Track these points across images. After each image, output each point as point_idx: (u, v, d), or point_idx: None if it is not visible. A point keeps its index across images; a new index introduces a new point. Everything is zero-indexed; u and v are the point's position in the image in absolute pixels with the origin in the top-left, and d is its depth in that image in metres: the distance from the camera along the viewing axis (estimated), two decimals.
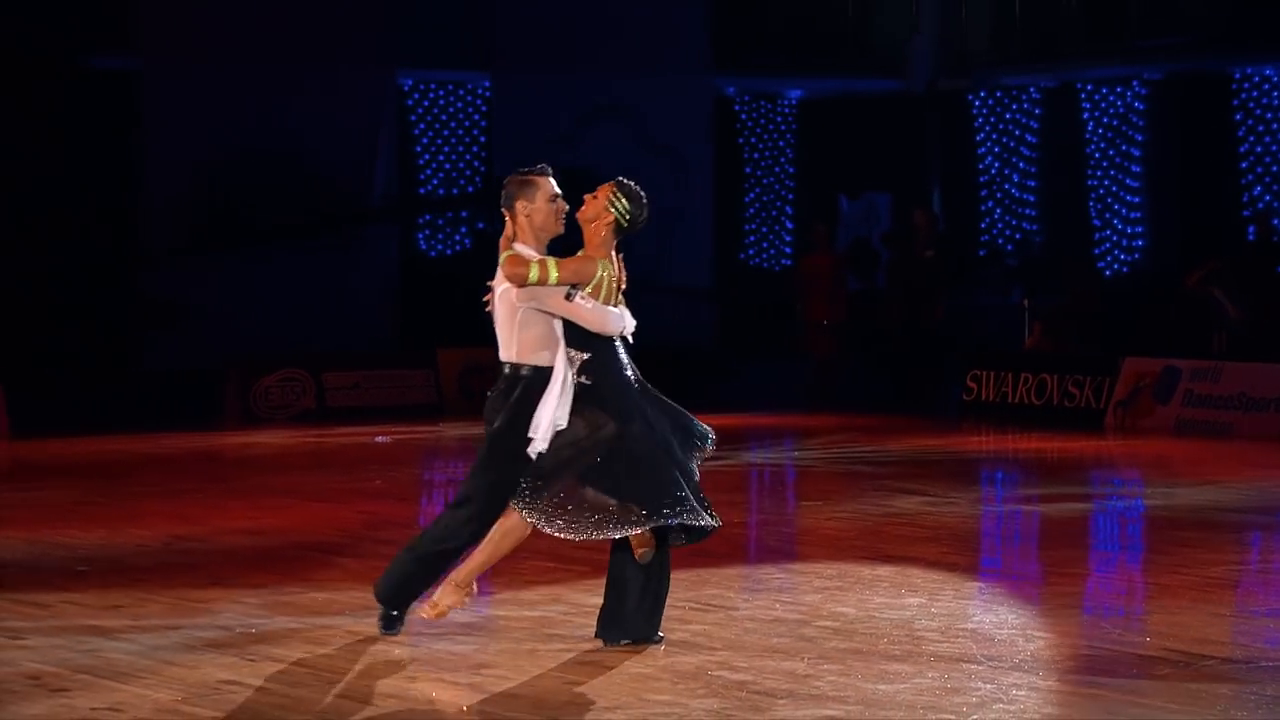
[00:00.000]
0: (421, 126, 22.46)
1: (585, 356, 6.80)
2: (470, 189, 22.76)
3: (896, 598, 8.09)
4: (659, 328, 22.51)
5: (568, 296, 6.74)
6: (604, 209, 6.85)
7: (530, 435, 6.74)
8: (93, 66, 19.74)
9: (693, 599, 7.95)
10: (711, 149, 23.36)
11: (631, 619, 6.90)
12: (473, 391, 17.94)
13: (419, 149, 22.44)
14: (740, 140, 24.50)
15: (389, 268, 21.70)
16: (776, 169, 24.70)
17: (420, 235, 22.54)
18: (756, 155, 24.60)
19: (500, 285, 6.86)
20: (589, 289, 6.80)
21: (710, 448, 6.99)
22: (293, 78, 20.63)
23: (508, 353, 6.88)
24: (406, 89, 22.29)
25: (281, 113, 20.60)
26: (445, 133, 22.58)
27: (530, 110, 22.22)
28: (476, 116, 22.71)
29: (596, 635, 6.96)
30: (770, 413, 18.13)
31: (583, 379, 6.80)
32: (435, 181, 22.60)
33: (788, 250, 24.63)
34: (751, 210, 24.61)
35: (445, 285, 21.82)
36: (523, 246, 6.88)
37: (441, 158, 22.56)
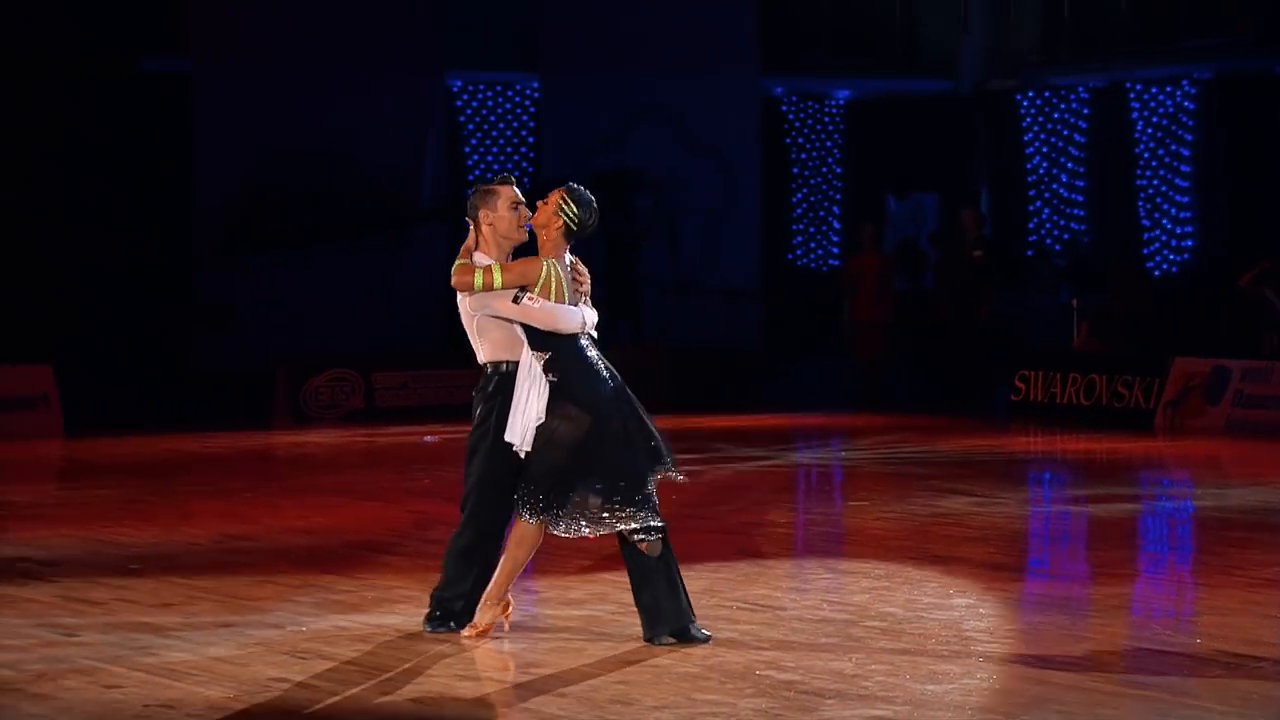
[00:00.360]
0: (470, 127, 22.53)
1: (547, 355, 6.97)
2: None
3: (944, 598, 8.06)
4: (706, 328, 22.72)
5: (515, 300, 6.93)
6: (553, 214, 7.04)
7: (508, 440, 6.93)
8: (143, 69, 19.88)
9: (740, 598, 7.95)
10: (759, 149, 23.33)
11: (666, 609, 6.92)
12: None
13: (468, 149, 22.51)
14: (788, 141, 24.47)
15: (438, 268, 21.71)
16: (824, 169, 24.66)
17: (468, 225, 22.57)
18: (804, 156, 24.56)
19: (459, 294, 7.06)
20: (538, 289, 6.94)
21: (670, 472, 7.00)
22: (342, 80, 20.73)
23: (480, 356, 7.14)
24: (455, 90, 22.36)
25: (331, 114, 20.70)
26: (494, 133, 22.64)
27: (578, 111, 22.26)
28: (525, 117, 22.76)
29: (644, 637, 6.98)
30: (817, 413, 18.10)
31: (550, 376, 6.95)
32: (489, 177, 22.64)
33: (835, 250, 24.58)
34: (799, 211, 24.57)
35: None
36: (480, 255, 7.07)
37: (490, 158, 22.62)
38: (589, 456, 6.86)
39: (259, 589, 8.22)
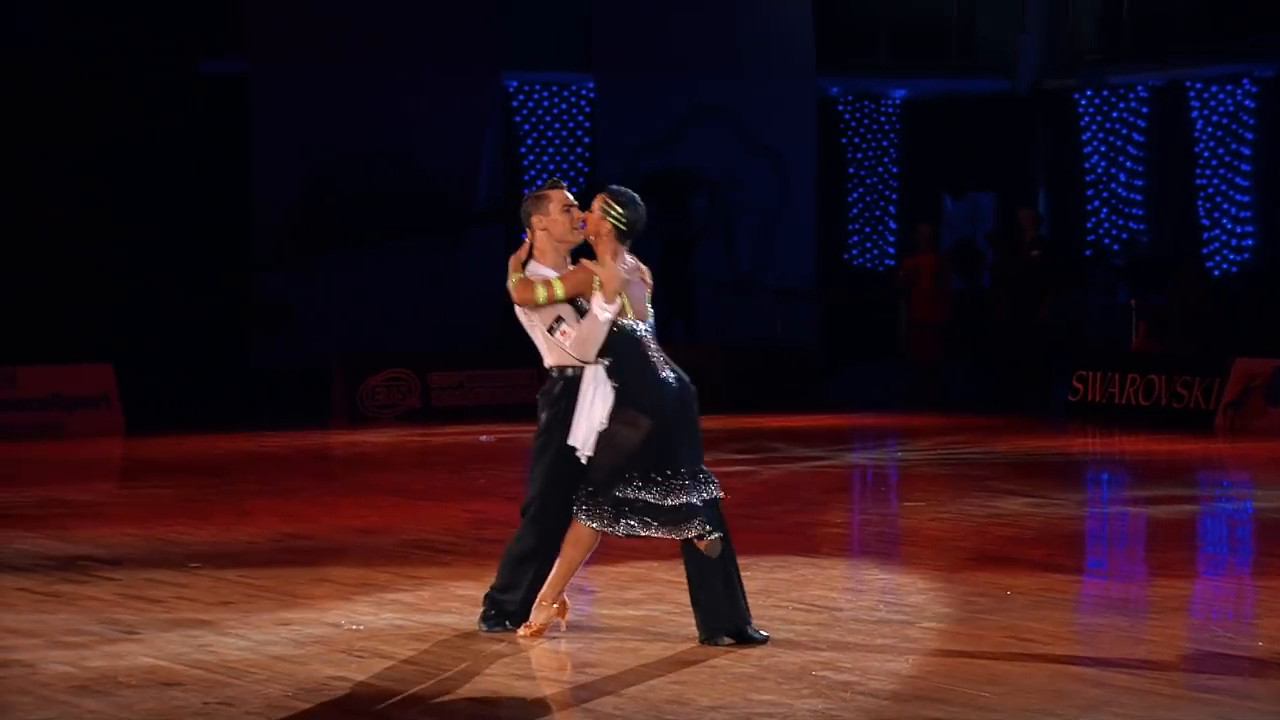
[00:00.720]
0: (526, 128, 22.57)
1: (606, 362, 6.93)
2: (575, 189, 22.81)
3: (1001, 600, 8.01)
4: (761, 328, 22.67)
5: (550, 330, 6.91)
6: (600, 219, 7.03)
7: (571, 444, 6.91)
8: (201, 71, 20.02)
9: (796, 599, 7.93)
10: (814, 149, 23.28)
11: (723, 610, 6.91)
12: None
13: (523, 150, 22.56)
14: (843, 140, 24.41)
15: (493, 269, 21.74)
16: (880, 169, 24.58)
17: (524, 235, 22.60)
18: (860, 155, 24.49)
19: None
20: (595, 295, 6.90)
21: (699, 534, 6.91)
22: (398, 80, 20.80)
23: (548, 359, 7.08)
24: (511, 90, 22.41)
25: (387, 115, 20.77)
26: (549, 134, 22.68)
27: (633, 111, 22.27)
28: (580, 118, 22.79)
29: (700, 638, 6.97)
30: (873, 413, 18.05)
31: (613, 383, 6.94)
32: (540, 182, 22.65)
33: (890, 250, 24.50)
34: (854, 211, 24.51)
35: None
36: (536, 266, 7.06)
37: (546, 158, 22.67)
38: (648, 460, 6.84)
39: (316, 587, 8.26)
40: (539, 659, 6.80)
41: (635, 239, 7.10)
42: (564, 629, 7.10)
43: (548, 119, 22.68)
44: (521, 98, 22.55)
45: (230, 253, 19.95)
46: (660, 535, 6.91)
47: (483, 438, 15.81)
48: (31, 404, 16.19)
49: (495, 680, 6.44)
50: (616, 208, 7.03)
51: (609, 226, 7.03)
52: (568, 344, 6.92)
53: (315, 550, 9.49)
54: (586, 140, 22.76)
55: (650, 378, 6.93)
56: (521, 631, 7.07)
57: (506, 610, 7.12)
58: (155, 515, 10.81)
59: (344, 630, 7.29)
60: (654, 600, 7.88)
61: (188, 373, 18.70)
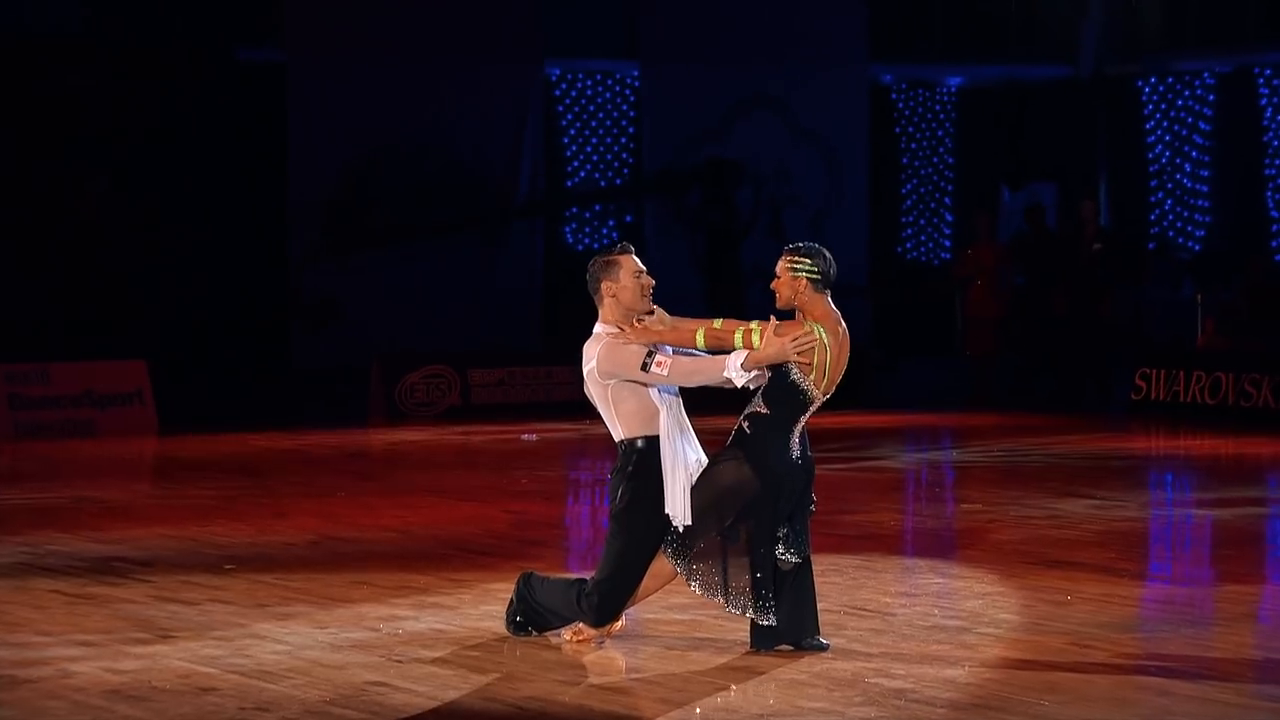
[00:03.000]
0: (569, 118, 22.60)
1: (765, 412, 6.86)
2: (619, 181, 22.86)
3: (1061, 605, 7.98)
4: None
5: (644, 367, 6.83)
6: (792, 279, 6.94)
7: (668, 513, 6.84)
8: (239, 60, 20.12)
9: (848, 603, 7.92)
10: (867, 140, 23.22)
11: (780, 624, 6.90)
12: None
13: (566, 140, 22.59)
14: (897, 130, 24.33)
15: (535, 263, 21.86)
16: (935, 159, 24.50)
17: (567, 229, 22.68)
18: (914, 145, 24.42)
19: (587, 366, 6.95)
20: (748, 360, 6.81)
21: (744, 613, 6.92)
22: (438, 70, 20.86)
23: (616, 433, 7.00)
24: (554, 79, 22.44)
25: (426, 105, 20.84)
26: (593, 124, 22.70)
27: (680, 100, 22.26)
28: (625, 107, 22.80)
29: (751, 645, 6.97)
30: (928, 411, 17.99)
31: (744, 425, 6.87)
32: (583, 174, 22.73)
33: (947, 244, 24.42)
34: (909, 202, 24.44)
35: None
36: (603, 327, 6.98)
37: (589, 149, 22.69)
38: (734, 520, 6.80)
39: (354, 590, 8.30)
40: (584, 665, 6.81)
41: (830, 286, 6.99)
42: (606, 644, 7.11)
43: (591, 109, 22.69)
44: (564, 86, 22.57)
45: (267, 247, 20.03)
46: (716, 602, 6.89)
47: (525, 436, 15.84)
48: (63, 401, 16.32)
49: (538, 686, 6.45)
50: (804, 260, 6.95)
51: (805, 283, 6.91)
52: (665, 373, 6.81)
53: (353, 552, 9.53)
54: (631, 131, 22.76)
55: (782, 449, 6.83)
56: (568, 636, 7.10)
57: (538, 625, 7.17)
58: (190, 516, 10.87)
59: (383, 634, 7.32)
60: (700, 605, 7.87)
61: (222, 369, 18.81)
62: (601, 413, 7.03)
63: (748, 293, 21.57)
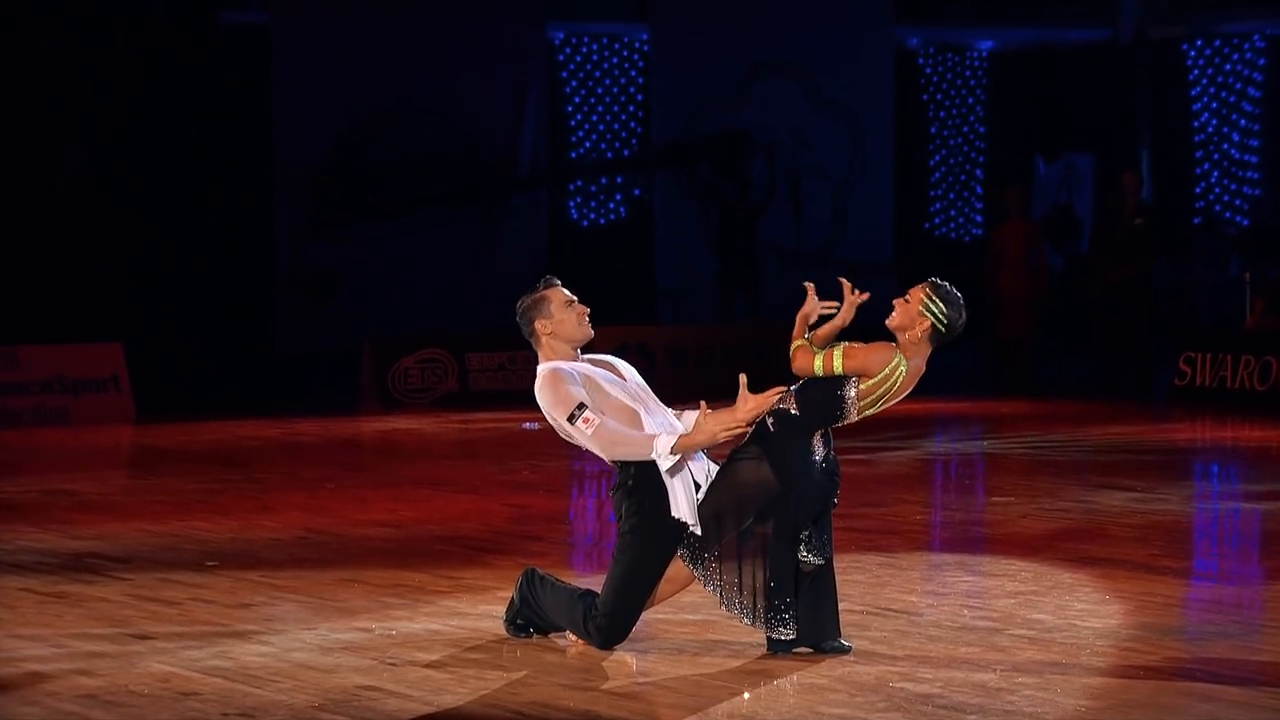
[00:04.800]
0: (574, 84, 22.59)
1: (794, 413, 6.82)
2: (626, 153, 22.86)
3: (1100, 604, 8.00)
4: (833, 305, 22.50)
5: (570, 418, 6.75)
6: (919, 314, 6.86)
7: (677, 516, 6.83)
8: (221, 22, 20.10)
9: (871, 603, 7.93)
10: (892, 108, 23.20)
11: (802, 625, 6.91)
12: None
13: (570, 109, 22.58)
14: (925, 97, 24.31)
15: (537, 239, 21.88)
16: (965, 129, 24.48)
17: (571, 204, 22.69)
18: (943, 114, 24.40)
19: (546, 415, 6.86)
20: (873, 382, 6.79)
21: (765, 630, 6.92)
22: (433, 32, 20.85)
23: (606, 457, 6.92)
24: (558, 43, 22.43)
25: (421, 71, 20.83)
26: (599, 90, 22.69)
27: (692, 66, 22.26)
28: (634, 73, 22.79)
29: (769, 648, 6.98)
30: (957, 398, 17.99)
31: (769, 421, 6.83)
32: (588, 144, 22.73)
33: (978, 219, 24.41)
34: (937, 175, 24.43)
35: (598, 257, 21.93)
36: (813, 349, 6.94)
37: (595, 118, 22.68)
38: (752, 522, 6.80)
39: (345, 589, 8.32)
40: (589, 668, 6.82)
41: (948, 344, 6.92)
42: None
43: (597, 74, 22.68)
44: (569, 51, 22.56)
45: (252, 222, 20.03)
46: (733, 615, 6.90)
47: (527, 425, 15.86)
48: (34, 387, 16.36)
49: (541, 691, 6.47)
50: (940, 305, 6.84)
51: (928, 325, 6.83)
52: (589, 431, 6.67)
53: (343, 548, 9.55)
54: (640, 98, 22.76)
55: (802, 448, 6.82)
56: (573, 638, 7.11)
57: (539, 628, 7.19)
58: (169, 509, 10.90)
59: (375, 635, 7.34)
60: (713, 605, 7.87)
61: (204, 353, 18.83)
62: (586, 449, 6.94)
63: (763, 271, 21.58)
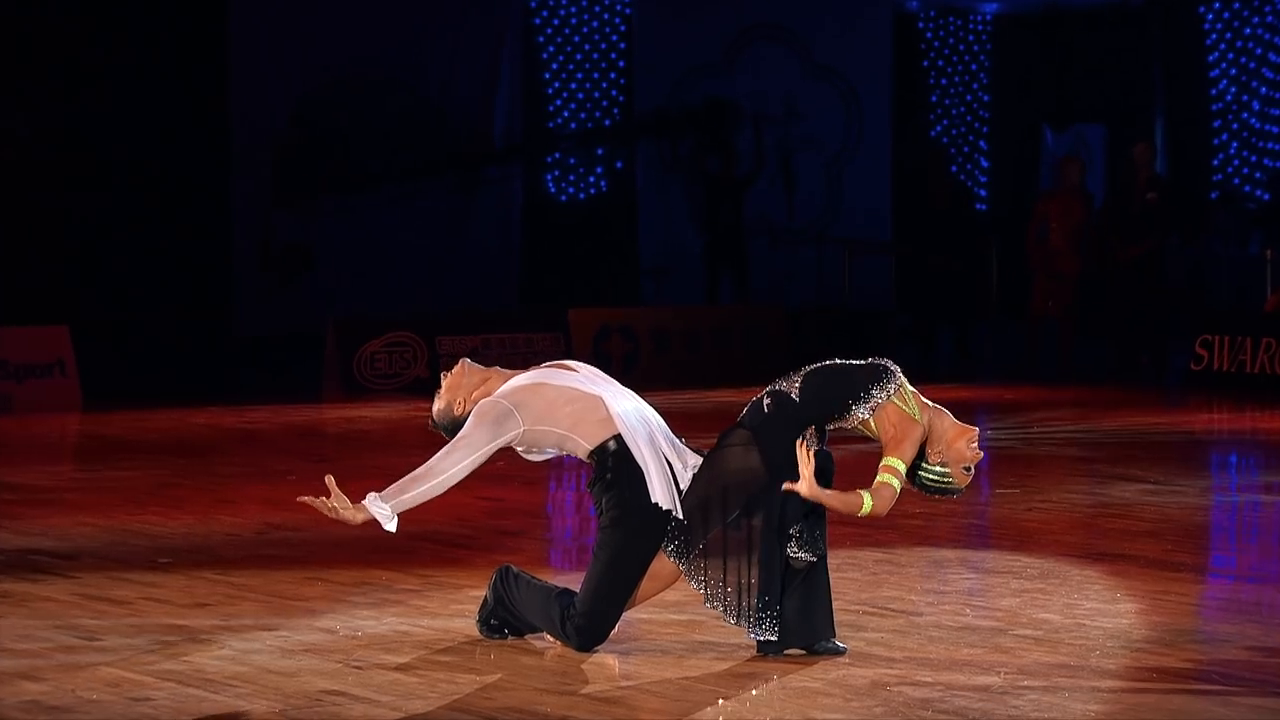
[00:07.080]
0: (551, 49, 22.58)
1: (794, 399, 6.90)
2: (607, 123, 22.86)
3: (1111, 603, 8.03)
4: (830, 286, 22.65)
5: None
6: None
7: (658, 501, 6.87)
8: None
9: (868, 602, 7.96)
10: (890, 75, 23.22)
11: (791, 626, 6.93)
12: (609, 357, 18.06)
13: (547, 75, 22.57)
14: (925, 64, 24.35)
15: (512, 214, 21.89)
16: (968, 97, 24.53)
17: (548, 177, 22.70)
18: (944, 82, 24.44)
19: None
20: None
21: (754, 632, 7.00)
22: None
23: (580, 451, 6.98)
24: (533, 6, 22.41)
25: (388, 34, 20.80)
26: (578, 57, 22.69)
27: (676, 31, 22.26)
28: (615, 38, 22.79)
29: (758, 649, 7.00)
30: (959, 384, 18.03)
31: (766, 401, 6.92)
32: (566, 114, 22.73)
33: (982, 193, 24.45)
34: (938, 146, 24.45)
35: (577, 234, 21.95)
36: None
37: (574, 86, 22.68)
38: (738, 514, 6.84)
39: (307, 587, 8.33)
40: (568, 671, 6.84)
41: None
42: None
43: (576, 39, 22.68)
44: (545, 14, 22.55)
45: (208, 197, 19.99)
46: (717, 612, 6.95)
47: None
48: None
49: (517, 696, 6.48)
50: (935, 486, 7.24)
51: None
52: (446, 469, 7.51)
53: (306, 544, 9.56)
54: (621, 65, 22.76)
55: (792, 439, 6.86)
56: (550, 638, 7.12)
57: (515, 630, 7.21)
58: (119, 503, 10.90)
59: (340, 637, 7.35)
60: (698, 603, 7.89)
61: (156, 336, 18.81)
62: (561, 452, 7.05)
63: (753, 248, 21.60)
